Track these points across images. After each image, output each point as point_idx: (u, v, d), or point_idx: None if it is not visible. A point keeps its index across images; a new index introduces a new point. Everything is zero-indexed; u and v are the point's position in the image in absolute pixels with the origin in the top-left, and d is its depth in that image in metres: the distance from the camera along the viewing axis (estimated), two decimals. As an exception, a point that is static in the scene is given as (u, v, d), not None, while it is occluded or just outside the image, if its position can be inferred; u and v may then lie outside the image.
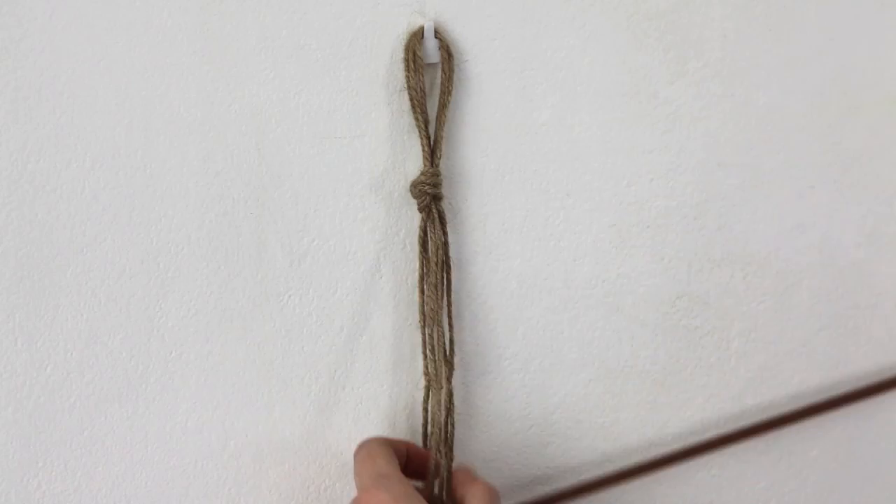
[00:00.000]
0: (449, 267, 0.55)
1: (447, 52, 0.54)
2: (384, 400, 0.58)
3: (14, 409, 0.50)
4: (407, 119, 0.55)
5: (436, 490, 0.53)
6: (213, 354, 0.53)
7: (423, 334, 0.55)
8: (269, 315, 0.54)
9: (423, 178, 0.54)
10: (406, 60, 0.54)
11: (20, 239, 0.49)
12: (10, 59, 0.48)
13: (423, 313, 0.55)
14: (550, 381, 0.62)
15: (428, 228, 0.55)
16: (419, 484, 0.54)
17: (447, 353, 0.55)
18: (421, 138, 0.54)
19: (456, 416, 0.57)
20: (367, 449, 0.52)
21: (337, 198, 0.55)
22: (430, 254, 0.55)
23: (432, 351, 0.55)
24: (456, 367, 0.58)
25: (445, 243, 0.54)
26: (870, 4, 0.65)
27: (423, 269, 0.55)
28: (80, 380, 0.51)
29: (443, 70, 0.54)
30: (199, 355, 0.53)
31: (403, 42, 0.54)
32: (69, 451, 0.51)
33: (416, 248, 0.56)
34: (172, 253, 0.52)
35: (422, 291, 0.55)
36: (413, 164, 0.56)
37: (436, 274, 0.55)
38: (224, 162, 0.52)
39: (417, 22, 0.54)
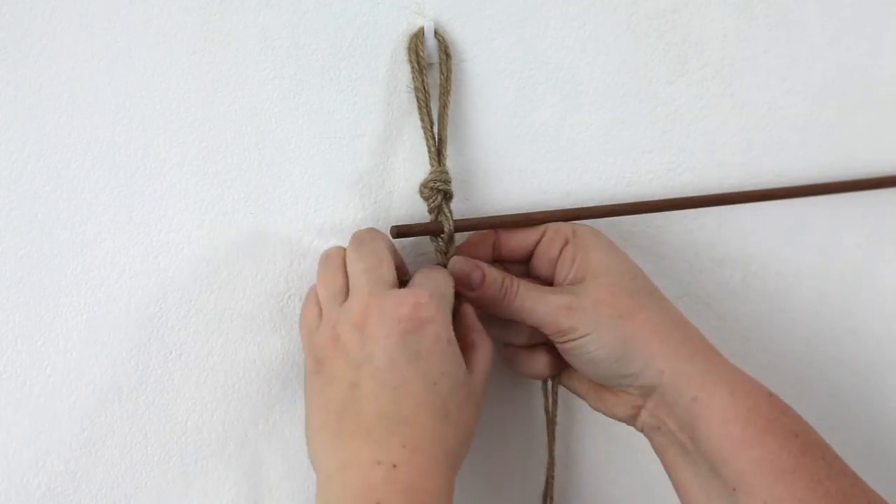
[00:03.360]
0: None
1: (445, 53, 0.54)
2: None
3: (14, 409, 0.50)
4: (407, 119, 0.55)
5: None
6: (213, 354, 0.53)
7: None
8: (269, 315, 0.54)
9: (433, 176, 0.54)
10: (410, 62, 0.54)
11: (20, 239, 0.49)
12: (10, 59, 0.48)
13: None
14: (550, 381, 0.61)
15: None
16: None
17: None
18: (427, 139, 0.54)
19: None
20: None
21: (337, 198, 0.55)
22: (448, 255, 0.54)
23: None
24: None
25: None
26: (870, 4, 0.65)
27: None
28: (80, 380, 0.51)
29: (441, 71, 0.54)
30: (199, 355, 0.53)
31: (403, 42, 0.54)
32: (69, 451, 0.51)
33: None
34: (172, 253, 0.52)
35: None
36: (413, 164, 0.56)
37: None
38: (224, 162, 0.52)
39: (417, 22, 0.54)
